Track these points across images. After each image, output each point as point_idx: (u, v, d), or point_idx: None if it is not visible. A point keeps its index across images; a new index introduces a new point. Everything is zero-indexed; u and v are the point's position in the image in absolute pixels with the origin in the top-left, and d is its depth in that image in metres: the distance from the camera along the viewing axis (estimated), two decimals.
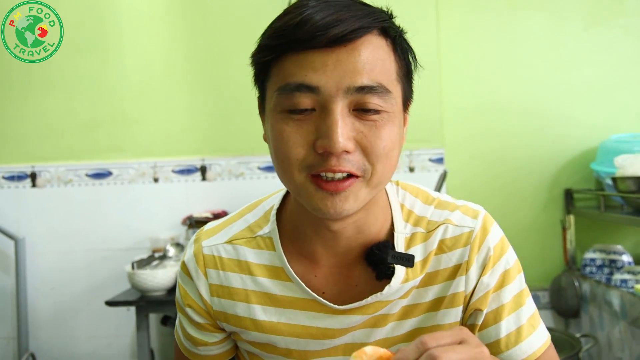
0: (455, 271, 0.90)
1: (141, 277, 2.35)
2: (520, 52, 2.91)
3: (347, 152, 0.75)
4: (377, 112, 0.77)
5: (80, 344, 2.91)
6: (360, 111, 0.76)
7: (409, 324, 0.92)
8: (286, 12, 0.80)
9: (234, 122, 2.93)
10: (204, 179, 2.94)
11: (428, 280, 0.91)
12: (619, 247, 2.70)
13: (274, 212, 0.95)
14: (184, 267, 0.98)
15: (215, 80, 2.93)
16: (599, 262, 2.71)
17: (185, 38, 2.94)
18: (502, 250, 0.92)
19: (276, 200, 0.98)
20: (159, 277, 2.36)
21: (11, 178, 2.94)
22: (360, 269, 0.91)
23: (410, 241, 0.91)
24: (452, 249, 0.91)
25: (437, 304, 0.91)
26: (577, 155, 2.89)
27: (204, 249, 0.96)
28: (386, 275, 0.88)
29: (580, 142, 2.88)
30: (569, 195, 2.83)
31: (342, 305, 0.89)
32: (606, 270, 2.68)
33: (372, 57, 0.77)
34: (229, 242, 0.96)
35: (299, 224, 0.91)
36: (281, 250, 0.91)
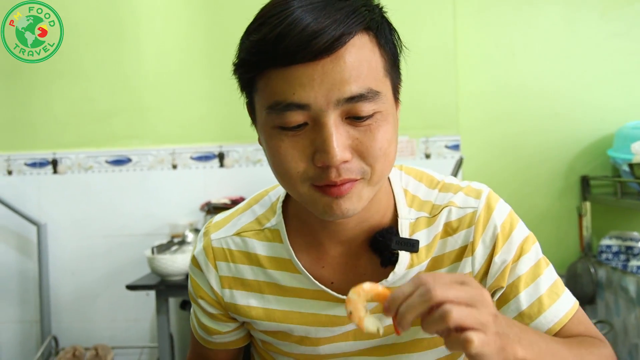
0: (462, 253, 0.90)
1: (161, 261, 2.39)
2: (536, 38, 2.90)
3: (345, 161, 0.75)
4: (370, 116, 0.76)
5: (100, 327, 2.97)
6: (353, 119, 0.75)
7: None
8: (261, 23, 0.77)
9: None
10: (221, 165, 2.97)
11: (435, 264, 0.91)
12: (636, 234, 2.69)
13: (279, 204, 0.96)
14: (194, 260, 0.99)
15: (231, 67, 2.94)
16: (615, 249, 2.71)
17: (203, 25, 2.96)
18: (511, 226, 0.91)
19: (282, 192, 0.98)
20: (178, 262, 2.40)
21: (33, 164, 2.99)
22: (367, 257, 0.91)
23: (414, 226, 0.91)
24: (457, 231, 0.91)
25: None
26: (594, 141, 2.88)
27: (213, 242, 0.97)
28: (390, 262, 0.89)
29: (597, 128, 2.86)
30: (585, 182, 2.83)
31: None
32: (622, 257, 2.68)
33: (357, 62, 0.74)
34: (238, 234, 0.96)
35: (304, 216, 0.91)
36: (288, 242, 0.92)
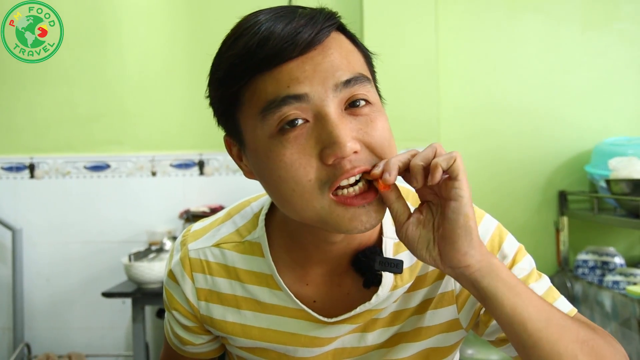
0: (441, 272, 0.88)
1: (138, 269, 2.36)
2: (517, 54, 2.93)
3: (355, 152, 0.72)
4: (366, 103, 0.75)
5: (75, 335, 2.93)
6: (351, 107, 0.74)
7: (395, 329, 0.90)
8: (235, 38, 0.76)
9: None
10: (201, 173, 2.96)
11: (417, 284, 0.89)
12: (612, 249, 2.72)
13: (262, 217, 0.91)
14: (170, 272, 0.95)
15: None
16: (591, 264, 2.73)
17: (185, 32, 2.96)
18: (500, 239, 0.90)
19: (265, 203, 0.93)
20: (155, 270, 2.37)
21: (9, 169, 2.95)
22: (352, 277, 0.88)
23: (398, 246, 0.88)
24: None
25: (424, 306, 0.89)
26: (572, 157, 2.91)
27: (191, 252, 0.93)
28: (373, 283, 0.86)
29: (575, 144, 2.90)
30: (563, 197, 2.85)
31: (331, 317, 0.87)
32: (598, 271, 2.71)
33: (344, 52, 0.75)
34: (217, 245, 0.92)
35: (290, 230, 0.87)
36: (270, 258, 0.88)
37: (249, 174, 0.83)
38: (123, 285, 2.50)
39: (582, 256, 2.77)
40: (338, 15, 0.79)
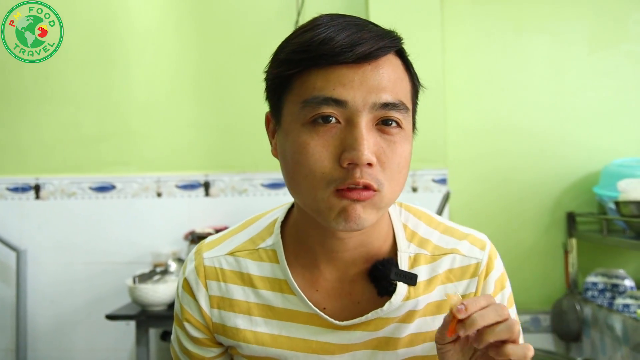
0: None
1: (142, 291, 2.35)
2: (524, 75, 2.93)
3: (369, 164, 0.77)
4: (397, 125, 0.80)
5: (78, 357, 2.90)
6: (382, 125, 0.79)
7: (411, 351, 0.92)
8: (305, 30, 0.81)
9: (238, 138, 2.95)
10: (207, 194, 2.95)
11: (435, 310, 0.92)
12: (621, 272, 2.69)
13: (278, 224, 0.96)
14: (185, 281, 0.98)
15: (220, 96, 2.96)
16: (600, 286, 2.70)
17: (191, 54, 2.97)
18: (501, 286, 0.95)
19: (280, 213, 0.98)
20: (160, 292, 2.36)
21: (15, 189, 2.95)
22: (363, 285, 0.91)
23: (413, 261, 0.92)
24: (459, 279, 0.93)
25: None
26: (580, 178, 2.89)
27: (205, 261, 0.96)
28: (387, 292, 0.89)
29: (583, 165, 2.88)
30: (571, 218, 2.83)
31: (342, 321, 0.89)
32: (608, 294, 2.67)
33: (393, 75, 0.80)
34: (231, 253, 0.96)
35: (304, 237, 0.92)
36: (285, 262, 0.92)
37: (274, 151, 0.88)
38: (127, 308, 2.48)
39: (591, 278, 2.74)
40: (402, 41, 0.85)
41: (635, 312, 2.40)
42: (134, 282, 2.37)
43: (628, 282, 2.65)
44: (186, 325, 0.97)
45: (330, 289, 0.92)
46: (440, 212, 2.58)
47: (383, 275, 0.89)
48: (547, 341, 2.83)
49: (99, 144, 2.96)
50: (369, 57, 0.78)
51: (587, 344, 2.65)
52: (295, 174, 0.81)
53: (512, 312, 0.96)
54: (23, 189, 2.95)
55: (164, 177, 2.95)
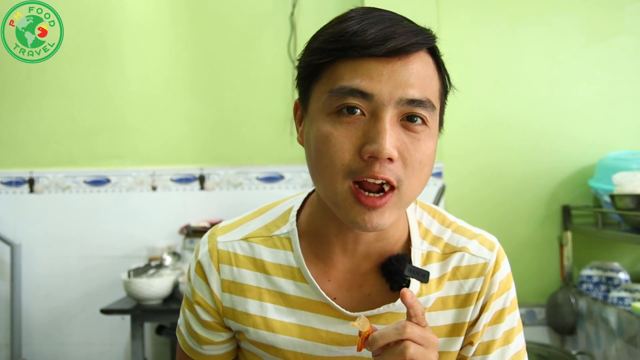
0: (467, 299, 0.93)
1: (137, 285, 2.34)
2: (520, 68, 2.92)
3: (390, 159, 0.77)
4: (422, 122, 0.80)
5: (73, 351, 2.89)
6: (407, 121, 0.79)
7: None
8: (340, 21, 0.82)
9: (233, 131, 2.94)
10: (202, 188, 2.94)
11: (440, 305, 0.93)
12: (616, 265, 2.69)
13: (294, 212, 0.97)
14: (198, 264, 0.98)
15: (215, 89, 2.94)
16: (595, 279, 2.70)
17: (186, 47, 2.95)
18: (505, 287, 0.95)
19: (296, 202, 0.99)
20: (155, 286, 2.35)
21: (9, 183, 2.93)
22: (374, 278, 0.92)
23: (426, 258, 0.93)
24: (466, 277, 0.93)
25: (447, 330, 0.93)
26: (575, 171, 2.89)
27: (219, 245, 0.97)
28: (400, 287, 0.89)
29: (579, 158, 2.88)
30: (566, 211, 2.83)
31: (353, 311, 0.90)
32: (603, 287, 2.68)
33: (423, 73, 0.80)
34: (245, 239, 0.97)
35: (320, 227, 0.93)
36: (299, 250, 0.93)
37: (300, 138, 0.89)
38: (122, 302, 2.47)
39: (586, 271, 2.74)
40: (436, 40, 0.86)
41: (629, 305, 2.40)
42: (129, 276, 2.36)
43: (623, 275, 2.65)
44: (197, 308, 0.98)
45: (342, 280, 0.93)
46: (436, 204, 2.58)
47: (397, 271, 0.90)
48: (542, 334, 2.83)
49: (93, 137, 2.95)
50: (399, 52, 0.78)
51: (581, 337, 2.66)
52: (317, 163, 0.81)
53: (514, 317, 0.96)
54: (17, 183, 2.94)
55: (158, 170, 2.94)
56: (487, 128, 2.90)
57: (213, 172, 2.94)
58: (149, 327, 2.79)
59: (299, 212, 0.97)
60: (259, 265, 0.95)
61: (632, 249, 2.84)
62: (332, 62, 0.80)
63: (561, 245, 2.83)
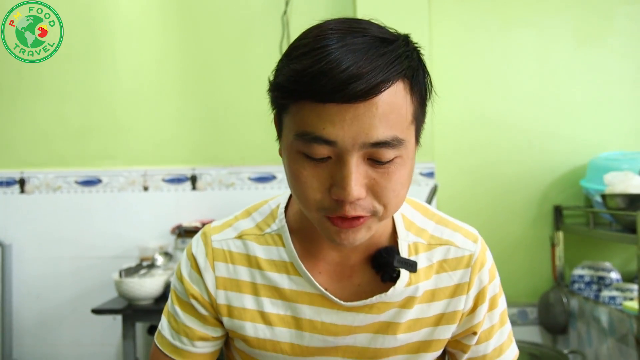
0: (456, 290, 0.97)
1: (129, 285, 2.33)
2: (511, 69, 2.93)
3: (359, 199, 0.79)
4: (390, 161, 0.79)
5: (65, 352, 2.88)
6: (374, 162, 0.79)
7: (410, 337, 0.97)
8: (305, 52, 0.78)
9: (225, 132, 2.94)
10: (194, 188, 2.93)
11: (430, 297, 0.97)
12: (608, 264, 2.70)
13: (281, 209, 0.99)
14: (192, 259, 1.00)
15: (207, 89, 2.94)
16: (587, 279, 2.71)
17: (178, 47, 2.94)
18: (493, 275, 1.01)
19: (282, 200, 1.01)
20: (146, 286, 2.34)
21: None
22: (363, 269, 0.96)
23: (413, 249, 0.97)
24: (453, 269, 0.97)
25: (438, 320, 0.97)
26: (567, 172, 2.90)
27: (214, 243, 0.99)
28: (391, 278, 0.94)
29: (570, 159, 2.89)
30: (558, 211, 2.84)
31: (346, 301, 0.94)
32: (594, 287, 2.69)
33: (389, 110, 0.77)
34: (239, 237, 0.99)
35: (307, 224, 0.95)
36: (292, 245, 0.95)
37: (280, 153, 0.88)
38: (114, 302, 2.46)
39: (577, 271, 2.75)
40: (418, 54, 0.84)
41: (620, 304, 2.41)
42: (120, 275, 2.35)
43: (614, 275, 2.67)
44: (193, 302, 0.99)
45: (332, 272, 0.96)
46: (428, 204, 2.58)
47: (387, 263, 0.93)
48: (534, 333, 2.84)
49: (84, 137, 2.93)
50: (362, 96, 0.74)
51: (573, 336, 2.67)
52: (293, 190, 0.84)
53: (503, 299, 1.03)
54: (8, 183, 2.92)
55: (150, 170, 2.93)
56: (479, 128, 2.91)
57: (205, 172, 2.93)
58: (140, 328, 2.77)
59: (286, 209, 1.00)
60: (252, 262, 0.97)
61: (623, 248, 2.86)
62: (297, 101, 0.78)
63: (553, 245, 2.84)
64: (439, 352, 1.00)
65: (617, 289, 2.52)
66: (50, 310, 2.89)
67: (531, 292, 2.87)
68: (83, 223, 2.91)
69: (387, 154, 0.78)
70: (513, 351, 1.05)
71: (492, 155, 2.91)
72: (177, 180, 2.93)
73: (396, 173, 0.80)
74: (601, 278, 2.68)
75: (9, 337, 2.82)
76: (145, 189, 2.93)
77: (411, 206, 1.02)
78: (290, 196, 1.01)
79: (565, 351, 2.49)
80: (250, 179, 2.91)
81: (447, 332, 0.98)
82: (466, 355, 1.02)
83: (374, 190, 0.79)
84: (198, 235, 1.03)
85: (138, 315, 2.38)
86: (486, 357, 1.01)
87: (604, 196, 2.44)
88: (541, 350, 2.40)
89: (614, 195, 2.37)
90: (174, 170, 2.93)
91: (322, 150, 0.78)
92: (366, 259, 0.96)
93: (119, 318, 2.56)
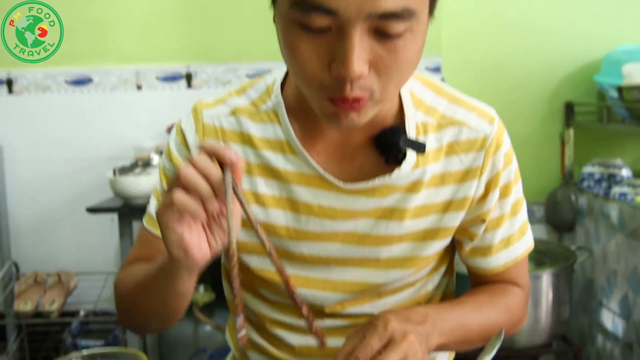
0: (467, 174, 0.90)
1: (124, 184, 2.29)
2: None
3: (360, 77, 0.70)
4: (399, 35, 0.70)
5: (64, 253, 2.86)
6: (381, 35, 0.69)
7: (417, 224, 0.91)
8: None
9: (220, 27, 2.80)
10: (189, 86, 2.83)
11: (439, 181, 0.90)
12: (619, 161, 2.63)
13: (277, 85, 0.92)
14: (181, 134, 0.94)
15: None
16: (597, 176, 2.65)
17: None
18: (509, 160, 0.93)
19: (278, 75, 0.93)
20: (142, 184, 2.30)
21: None
22: (366, 150, 0.89)
23: (421, 129, 0.90)
24: (466, 152, 0.90)
25: (447, 206, 0.91)
26: (580, 67, 2.78)
27: (205, 119, 0.93)
28: (396, 160, 0.87)
29: (583, 54, 2.76)
30: (569, 108, 2.74)
31: (346, 183, 0.88)
32: (604, 184, 2.62)
33: None
34: (232, 113, 0.92)
35: (306, 100, 0.86)
36: (287, 122, 0.89)
37: (274, 19, 0.79)
38: (110, 201, 2.43)
39: (587, 169, 2.68)
40: None
41: (632, 200, 2.35)
42: (115, 174, 2.30)
43: (625, 172, 2.59)
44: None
45: (332, 153, 0.90)
46: None
47: (392, 143, 0.86)
48: (540, 231, 2.81)
49: (70, 33, 2.77)
50: None
51: (580, 233, 2.63)
52: (289, 65, 0.76)
53: (518, 188, 0.96)
54: None
55: (143, 69, 2.81)
56: (488, 15, 2.76)
57: (200, 69, 2.81)
58: (137, 226, 2.74)
59: (282, 84, 0.92)
60: (246, 139, 0.91)
61: (635, 145, 2.78)
62: None
63: (562, 143, 2.75)
64: (446, 241, 0.95)
65: (629, 185, 2.45)
66: (46, 213, 2.86)
67: (539, 191, 2.81)
68: (76, 124, 2.83)
69: (397, 26, 0.68)
70: (523, 245, 0.98)
71: (501, 45, 2.77)
72: (171, 78, 2.82)
73: (405, 49, 0.71)
74: (612, 175, 2.61)
75: (6, 238, 2.80)
76: (139, 87, 2.82)
77: (422, 84, 0.94)
78: (288, 71, 0.92)
79: (572, 247, 2.46)
80: (248, 76, 2.80)
81: (455, 220, 0.92)
82: (472, 244, 0.96)
83: (377, 68, 0.71)
84: (188, 112, 0.96)
85: (134, 213, 2.35)
86: (492, 247, 0.95)
87: (620, 89, 2.33)
88: (547, 246, 2.37)
89: (631, 87, 2.27)
90: (167, 68, 2.81)
91: (322, 21, 0.68)
92: (369, 139, 0.89)
93: (116, 219, 2.52)
